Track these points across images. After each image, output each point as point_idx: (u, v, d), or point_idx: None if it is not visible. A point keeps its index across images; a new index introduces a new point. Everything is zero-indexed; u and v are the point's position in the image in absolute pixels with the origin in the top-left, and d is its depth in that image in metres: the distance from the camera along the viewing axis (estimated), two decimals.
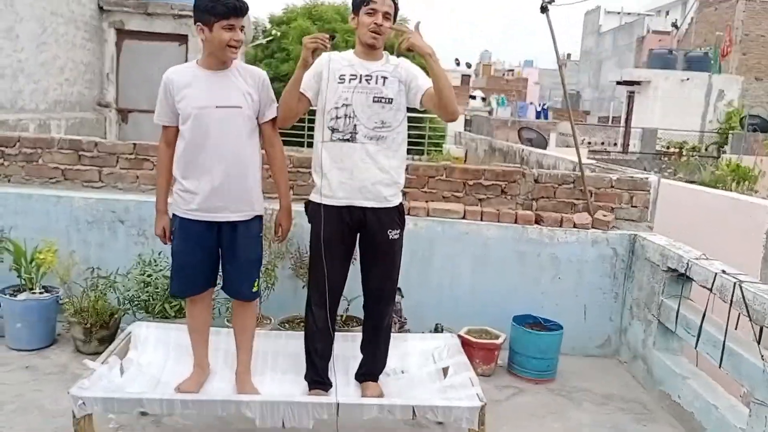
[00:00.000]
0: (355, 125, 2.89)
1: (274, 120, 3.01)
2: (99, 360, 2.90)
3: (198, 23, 2.79)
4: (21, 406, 3.16)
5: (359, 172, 2.89)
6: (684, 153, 17.56)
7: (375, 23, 2.85)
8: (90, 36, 9.69)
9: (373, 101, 2.90)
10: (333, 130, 2.92)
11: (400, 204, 3.06)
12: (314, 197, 3.04)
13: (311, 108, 3.10)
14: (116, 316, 3.84)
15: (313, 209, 3.04)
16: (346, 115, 2.89)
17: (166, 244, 3.03)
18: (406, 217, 4.15)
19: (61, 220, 4.20)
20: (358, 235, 3.03)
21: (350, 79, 2.91)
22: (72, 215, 4.21)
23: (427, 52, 2.80)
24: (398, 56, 3.01)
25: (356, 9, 2.91)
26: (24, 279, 3.87)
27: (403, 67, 2.99)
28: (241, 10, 2.79)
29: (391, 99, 2.93)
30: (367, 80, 2.91)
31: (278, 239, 3.19)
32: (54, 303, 3.87)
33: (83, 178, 4.49)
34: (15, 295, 3.82)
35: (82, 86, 9.57)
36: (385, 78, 2.93)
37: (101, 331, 3.75)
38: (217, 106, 2.82)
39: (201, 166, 2.84)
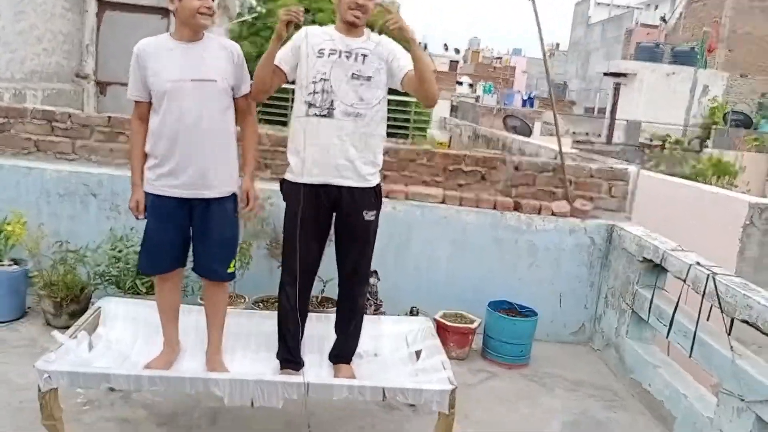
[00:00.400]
0: (332, 101, 2.83)
1: (247, 95, 2.97)
2: (67, 334, 2.84)
3: None
4: None
5: (335, 149, 2.84)
6: (667, 146, 17.69)
7: (356, 2, 2.80)
8: (70, 6, 9.49)
9: (352, 77, 2.85)
10: (310, 105, 2.86)
11: (378, 185, 3.01)
12: (289, 176, 2.98)
13: (290, 85, 3.04)
14: (87, 290, 3.78)
15: (287, 188, 2.98)
16: (323, 90, 2.83)
17: (138, 219, 2.96)
18: (384, 199, 4.14)
19: (31, 192, 4.12)
20: (335, 214, 2.99)
21: (329, 54, 2.86)
22: (43, 187, 4.13)
23: (412, 37, 2.79)
24: (380, 33, 2.96)
25: None
26: None
27: (384, 45, 2.94)
28: None
29: (370, 77, 2.87)
30: (346, 56, 2.86)
31: (249, 209, 3.04)
32: (23, 275, 3.80)
33: (56, 150, 4.40)
34: None
35: (61, 57, 9.38)
36: (365, 56, 2.88)
37: (72, 305, 3.69)
38: (191, 80, 2.75)
39: (174, 141, 2.77)
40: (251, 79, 2.96)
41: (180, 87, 2.74)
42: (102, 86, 10.29)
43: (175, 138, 2.77)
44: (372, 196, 2.98)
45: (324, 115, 2.84)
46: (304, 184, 2.90)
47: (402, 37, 2.78)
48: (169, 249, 2.90)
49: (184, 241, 2.93)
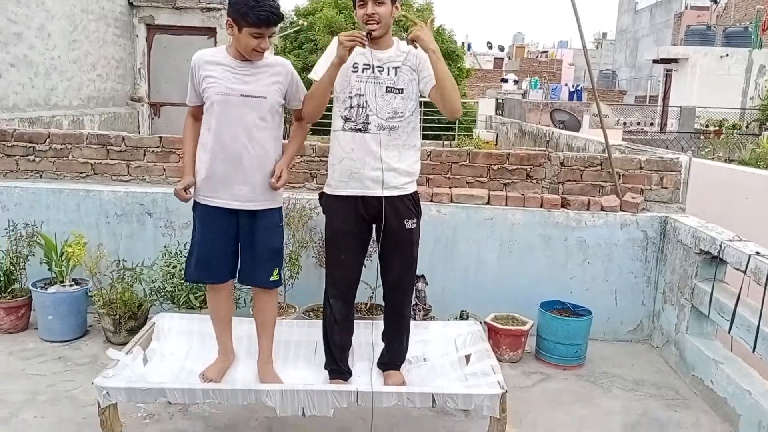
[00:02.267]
0: (367, 115, 2.86)
1: (300, 109, 3.03)
2: (123, 350, 2.95)
3: (229, 18, 2.79)
4: (53, 397, 3.25)
5: (372, 161, 2.86)
6: (724, 131, 17.00)
7: (366, 14, 2.79)
8: (121, 32, 9.86)
9: (386, 91, 2.87)
10: (346, 119, 2.90)
11: (415, 193, 3.01)
12: (327, 189, 3.02)
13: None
14: (144, 306, 3.90)
15: (327, 201, 3.02)
16: (359, 105, 2.86)
17: (185, 201, 2.96)
18: (429, 203, 4.14)
19: (90, 214, 4.29)
20: (374, 226, 3.00)
21: (363, 69, 2.87)
22: (101, 208, 4.29)
23: (431, 48, 2.77)
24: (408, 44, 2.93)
25: (354, 5, 2.89)
26: (54, 272, 3.98)
27: (414, 54, 2.93)
28: (274, 22, 2.78)
29: (402, 89, 2.89)
30: (379, 71, 2.87)
31: (276, 183, 2.90)
32: (83, 295, 3.96)
33: (112, 172, 4.57)
34: (46, 288, 3.93)
35: (115, 82, 9.75)
36: (397, 68, 2.89)
37: (130, 322, 3.82)
38: (241, 95, 2.82)
39: (222, 154, 2.85)
40: (304, 100, 2.98)
41: (228, 101, 2.81)
42: (155, 108, 10.65)
43: (220, 150, 2.85)
44: (411, 204, 2.97)
45: (359, 130, 2.87)
46: (343, 196, 2.93)
47: (422, 47, 2.78)
48: (219, 259, 2.96)
49: (234, 251, 2.99)
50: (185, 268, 3.10)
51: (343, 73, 2.86)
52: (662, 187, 4.47)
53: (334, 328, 3.06)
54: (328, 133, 3.16)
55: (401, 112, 2.89)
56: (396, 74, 2.88)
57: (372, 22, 2.80)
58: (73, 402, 3.20)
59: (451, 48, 18.16)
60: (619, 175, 4.42)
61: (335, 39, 2.90)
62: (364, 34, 2.76)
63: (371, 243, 3.07)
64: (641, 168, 4.47)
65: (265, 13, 2.70)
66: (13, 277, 4.04)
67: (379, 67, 2.87)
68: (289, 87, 2.94)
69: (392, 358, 3.13)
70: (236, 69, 2.84)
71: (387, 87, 2.87)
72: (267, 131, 2.90)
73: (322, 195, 3.07)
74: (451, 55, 17.88)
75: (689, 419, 3.34)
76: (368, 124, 2.86)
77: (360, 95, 2.86)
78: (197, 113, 2.97)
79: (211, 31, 10.16)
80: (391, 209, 2.91)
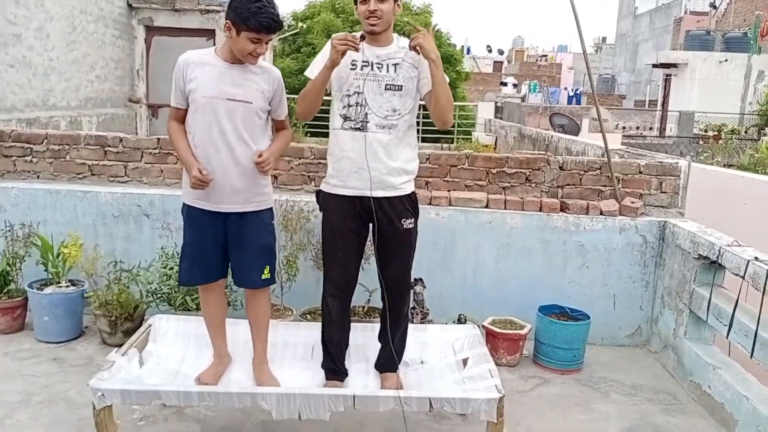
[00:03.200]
0: (366, 113, 2.84)
1: (283, 120, 3.02)
2: (119, 352, 2.93)
3: (228, 21, 2.76)
4: (47, 398, 3.23)
5: (370, 161, 2.83)
6: (722, 136, 17.03)
7: (368, 10, 2.78)
8: (120, 33, 9.86)
9: (385, 89, 2.85)
10: (345, 118, 2.88)
11: (413, 193, 3.00)
12: (325, 187, 3.00)
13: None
14: (140, 308, 3.89)
15: (324, 198, 3.00)
16: (357, 103, 2.85)
17: (210, 181, 2.78)
18: (427, 206, 4.14)
19: (88, 215, 4.27)
20: (372, 225, 2.98)
21: (362, 66, 2.85)
22: (98, 210, 4.27)
23: (432, 57, 2.75)
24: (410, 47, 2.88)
25: (355, 1, 2.87)
26: (51, 273, 3.96)
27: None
28: (274, 30, 2.76)
29: (401, 86, 2.86)
30: (378, 68, 2.85)
31: (260, 163, 2.81)
32: (80, 296, 3.94)
33: (109, 173, 4.55)
34: (42, 289, 3.91)
35: (113, 83, 9.74)
36: (396, 65, 2.87)
37: (126, 323, 3.80)
38: (227, 99, 2.79)
39: (207, 158, 2.82)
40: (297, 100, 2.95)
41: (214, 104, 2.78)
42: (153, 109, 10.65)
43: (204, 153, 2.82)
44: (408, 204, 2.96)
45: (358, 128, 2.85)
46: (341, 195, 2.92)
47: (424, 55, 2.76)
48: (209, 259, 2.94)
49: (222, 251, 2.96)
50: (178, 271, 3.08)
51: (341, 70, 2.84)
52: (661, 192, 4.46)
53: (332, 327, 3.06)
54: (325, 135, 3.14)
55: (399, 110, 2.87)
56: (395, 71, 2.86)
57: (374, 18, 2.79)
58: (68, 403, 3.18)
59: (449, 51, 18.16)
60: (619, 180, 4.42)
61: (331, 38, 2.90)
62: (358, 37, 2.75)
63: (368, 244, 3.06)
64: (640, 172, 4.46)
65: (266, 20, 2.69)
66: (9, 278, 4.02)
67: (378, 64, 2.85)
68: (274, 96, 2.92)
69: (389, 360, 3.11)
70: (224, 71, 2.81)
71: (386, 84, 2.85)
72: (254, 135, 2.86)
73: (319, 192, 3.05)
74: (449, 59, 17.89)
75: (686, 424, 3.33)
76: (367, 122, 2.85)
77: (359, 93, 2.84)
78: (180, 117, 2.91)
79: (209, 33, 10.16)
80: (389, 209, 2.90)
